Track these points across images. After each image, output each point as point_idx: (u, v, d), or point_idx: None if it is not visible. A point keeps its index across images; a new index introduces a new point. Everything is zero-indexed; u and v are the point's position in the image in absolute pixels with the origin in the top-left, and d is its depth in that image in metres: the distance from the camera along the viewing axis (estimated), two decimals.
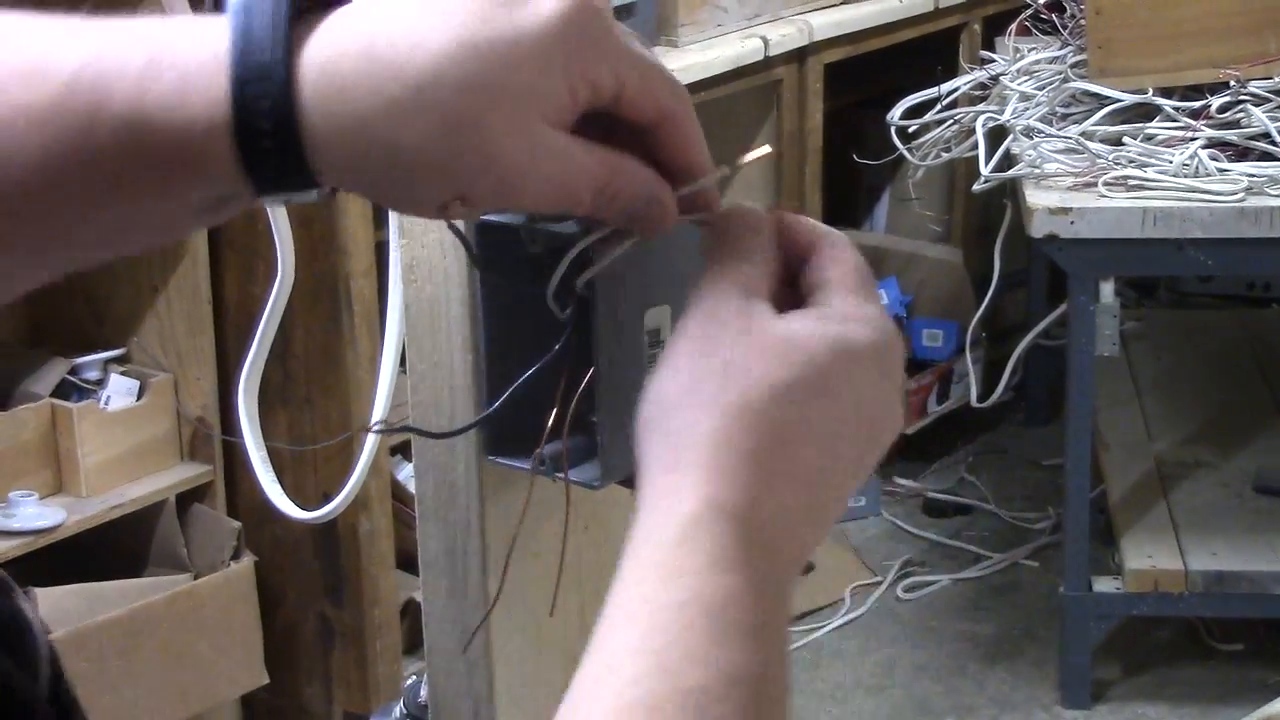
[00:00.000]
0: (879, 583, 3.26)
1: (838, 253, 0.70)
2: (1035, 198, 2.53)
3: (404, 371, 0.92)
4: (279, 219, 1.11)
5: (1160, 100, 2.62)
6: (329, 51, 0.65)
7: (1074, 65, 2.81)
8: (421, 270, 0.89)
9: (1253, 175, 2.49)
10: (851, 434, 0.66)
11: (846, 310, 0.67)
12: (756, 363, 0.65)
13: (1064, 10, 3.00)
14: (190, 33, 0.65)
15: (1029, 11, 3.08)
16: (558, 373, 0.80)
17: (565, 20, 0.65)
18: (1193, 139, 2.53)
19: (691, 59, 2.91)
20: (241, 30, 0.64)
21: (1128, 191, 2.51)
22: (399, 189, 0.67)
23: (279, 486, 0.87)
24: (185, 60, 0.64)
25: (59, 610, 2.32)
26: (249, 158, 0.64)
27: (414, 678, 0.88)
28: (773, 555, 0.63)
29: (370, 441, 0.88)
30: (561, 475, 0.84)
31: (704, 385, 0.65)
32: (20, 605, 0.67)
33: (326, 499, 0.91)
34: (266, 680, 2.62)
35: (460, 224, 0.81)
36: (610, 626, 0.61)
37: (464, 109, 0.64)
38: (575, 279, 0.76)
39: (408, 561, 2.63)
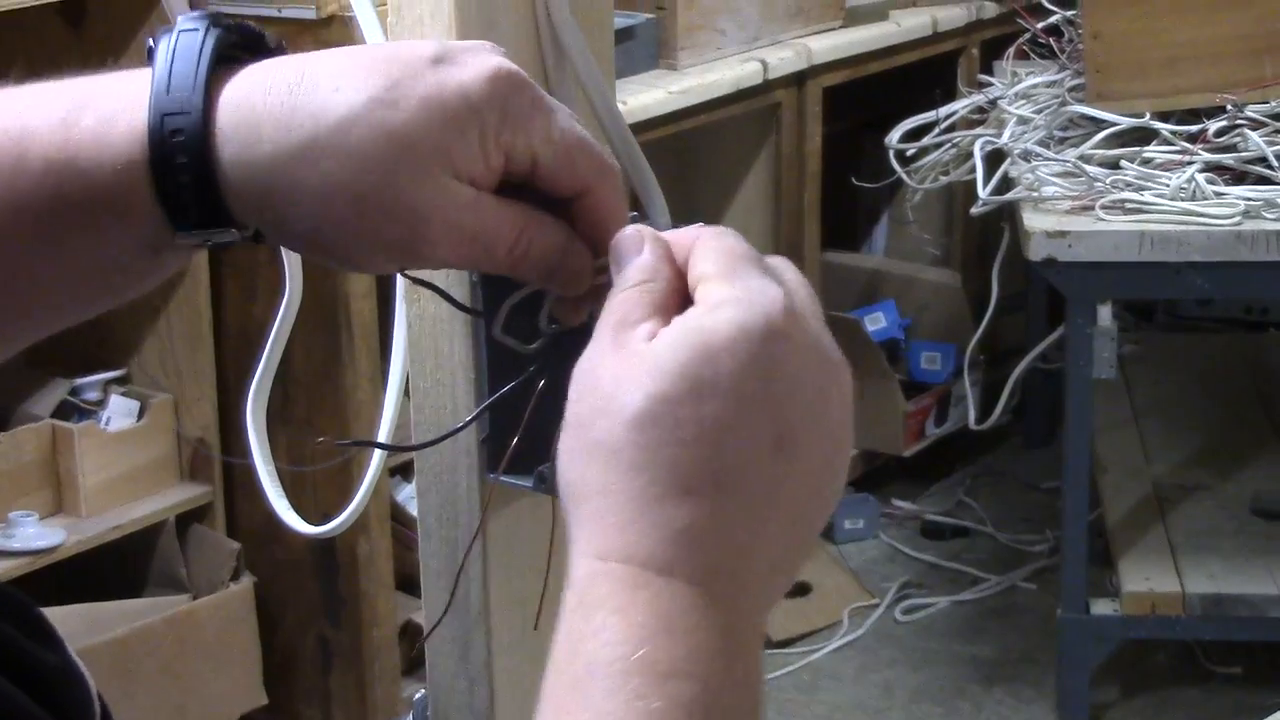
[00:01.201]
0: (877, 605, 3.26)
1: (707, 244, 0.65)
2: (1033, 221, 2.54)
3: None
4: None
5: (1157, 124, 2.63)
6: (248, 89, 0.67)
7: (1072, 89, 2.83)
8: (424, 290, 0.89)
9: (1249, 199, 2.50)
10: (748, 420, 0.61)
11: (715, 298, 0.62)
12: (623, 391, 0.61)
13: (1062, 35, 3.02)
14: (115, 82, 0.68)
15: (1027, 36, 3.10)
16: (561, 392, 0.81)
17: (487, 85, 0.67)
18: (1190, 163, 2.55)
19: (691, 82, 2.92)
20: (164, 71, 0.66)
21: (1125, 215, 2.52)
22: (309, 233, 0.67)
23: (285, 501, 0.87)
24: (108, 104, 0.67)
25: (58, 631, 2.32)
26: (166, 192, 0.66)
27: (422, 691, 0.89)
28: (691, 576, 0.60)
29: (377, 456, 0.88)
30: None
31: (582, 432, 0.62)
32: (73, 658, 0.68)
33: (325, 519, 0.92)
34: (265, 701, 2.62)
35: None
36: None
37: (374, 152, 0.65)
38: (539, 318, 0.77)
39: (406, 583, 2.64)
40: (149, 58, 0.68)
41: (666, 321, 0.63)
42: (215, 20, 0.68)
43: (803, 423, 0.62)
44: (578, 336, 0.80)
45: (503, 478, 0.85)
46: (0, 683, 0.62)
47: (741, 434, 0.61)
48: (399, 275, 0.81)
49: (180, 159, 0.65)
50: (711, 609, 0.59)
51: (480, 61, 0.68)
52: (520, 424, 0.82)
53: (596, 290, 0.71)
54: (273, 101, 0.66)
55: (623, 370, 0.62)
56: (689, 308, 0.63)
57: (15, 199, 0.66)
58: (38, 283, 0.69)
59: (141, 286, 0.73)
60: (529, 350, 0.79)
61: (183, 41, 0.67)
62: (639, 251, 0.66)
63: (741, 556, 0.61)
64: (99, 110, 0.66)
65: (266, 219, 0.67)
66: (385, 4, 0.87)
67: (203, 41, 0.67)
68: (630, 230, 0.68)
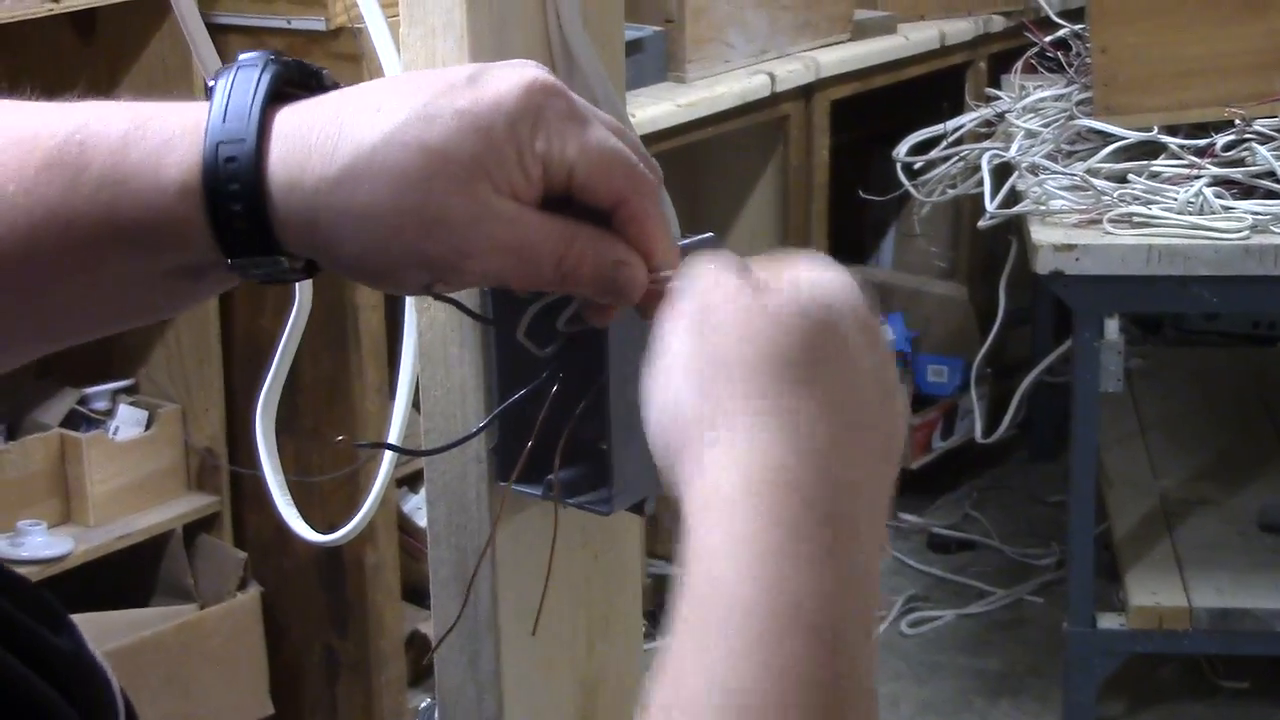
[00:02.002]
0: (883, 618, 3.26)
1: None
2: (1040, 234, 2.54)
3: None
4: None
5: (1165, 138, 2.63)
6: (298, 121, 0.68)
7: (1079, 103, 2.83)
8: (433, 300, 0.90)
9: (1257, 213, 2.50)
10: (868, 372, 0.65)
11: (812, 270, 0.67)
12: (781, 319, 0.64)
13: (1069, 48, 3.02)
14: (175, 109, 0.69)
15: (1035, 49, 3.10)
16: (571, 400, 0.81)
17: (521, 95, 0.68)
18: (1198, 177, 2.55)
19: (699, 95, 2.92)
20: (222, 102, 0.68)
21: (1133, 228, 2.52)
22: (356, 257, 0.68)
23: (294, 510, 0.88)
24: (167, 128, 0.68)
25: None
26: (218, 218, 0.67)
27: (428, 700, 0.89)
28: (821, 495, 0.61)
29: (385, 465, 0.89)
30: (571, 501, 0.86)
31: (714, 361, 0.63)
32: (88, 648, 0.69)
33: (332, 530, 0.92)
34: (271, 711, 2.63)
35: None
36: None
37: (412, 170, 0.66)
38: (558, 320, 0.78)
39: (413, 593, 2.64)
40: (207, 94, 0.69)
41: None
42: (274, 57, 0.70)
43: (893, 384, 0.67)
44: (588, 345, 0.81)
45: (514, 486, 0.85)
46: (10, 664, 0.62)
47: (867, 378, 0.65)
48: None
49: (233, 186, 0.67)
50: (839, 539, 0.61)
51: (515, 74, 0.69)
52: (533, 432, 0.83)
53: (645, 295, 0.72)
54: (318, 131, 0.68)
55: (770, 301, 0.64)
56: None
57: (68, 213, 0.67)
58: (74, 295, 0.70)
59: (174, 309, 0.74)
60: (544, 355, 0.79)
61: (241, 76, 0.69)
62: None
63: (854, 492, 0.62)
64: (158, 134, 0.68)
65: (316, 245, 0.69)
66: (396, 15, 0.87)
67: (260, 76, 0.69)
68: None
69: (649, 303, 0.71)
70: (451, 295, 0.78)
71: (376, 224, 0.67)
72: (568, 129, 0.69)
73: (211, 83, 0.70)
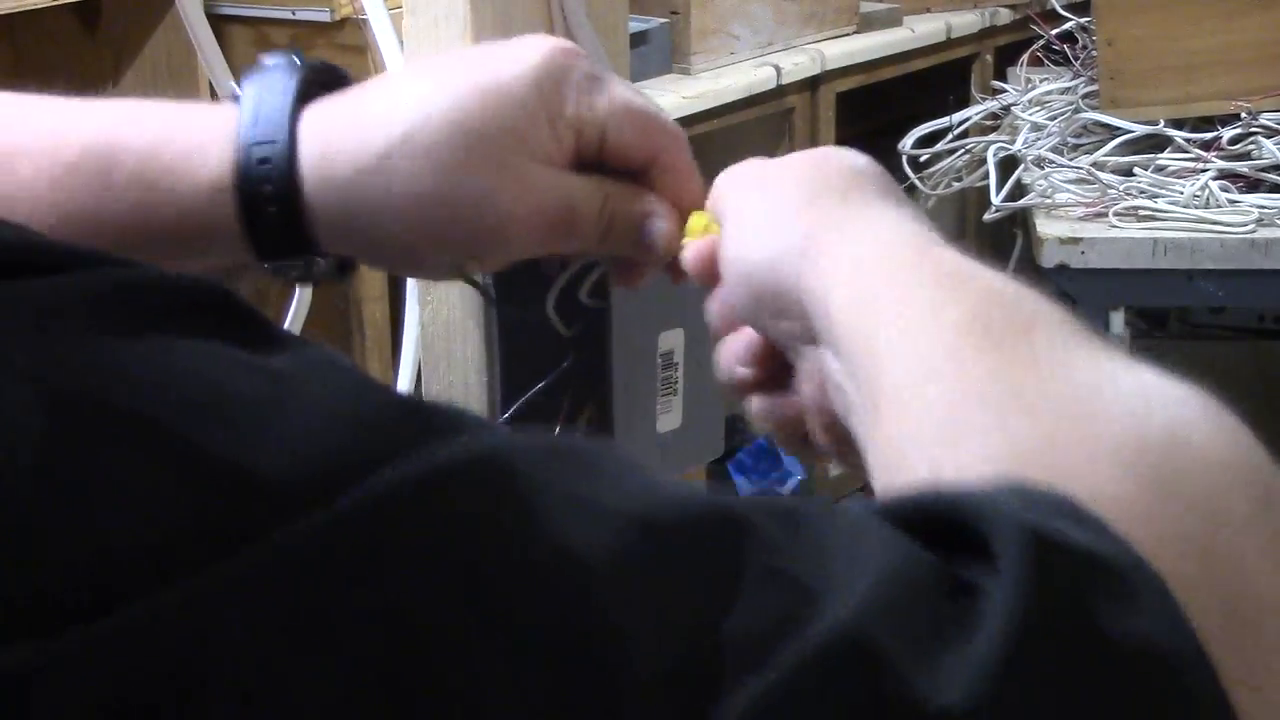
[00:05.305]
0: None
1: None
2: (1046, 227, 2.54)
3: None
4: None
5: (1171, 131, 2.62)
6: (327, 118, 0.69)
7: (1085, 96, 2.82)
8: (437, 292, 0.90)
9: (1263, 207, 2.49)
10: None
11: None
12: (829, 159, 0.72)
13: (1076, 41, 3.01)
14: (207, 111, 0.70)
15: (1041, 42, 3.09)
16: (570, 389, 0.81)
17: (544, 65, 0.68)
18: (1204, 170, 2.54)
19: (704, 87, 2.92)
20: (253, 104, 0.69)
21: (1138, 222, 2.51)
22: (398, 243, 0.68)
23: None
24: (199, 131, 0.69)
25: None
26: (253, 219, 0.67)
27: None
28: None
29: None
30: None
31: (805, 183, 0.68)
32: None
33: None
34: None
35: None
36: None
37: (447, 149, 0.66)
38: (579, 292, 0.77)
39: None
40: (236, 100, 0.70)
41: None
42: (301, 60, 0.71)
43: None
44: (600, 332, 0.81)
45: None
46: None
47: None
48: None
49: (266, 188, 0.67)
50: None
51: (532, 44, 0.69)
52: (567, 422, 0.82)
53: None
54: (347, 125, 0.68)
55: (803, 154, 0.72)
56: None
57: (99, 212, 0.67)
58: None
59: None
60: (570, 334, 0.79)
61: (269, 79, 0.69)
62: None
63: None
64: (189, 137, 0.68)
65: (353, 238, 0.69)
66: (400, 6, 0.87)
67: (288, 78, 0.69)
68: None
69: (678, 264, 0.72)
70: (475, 277, 0.78)
71: (417, 207, 0.67)
72: (594, 89, 0.69)
73: (238, 90, 0.70)
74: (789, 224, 0.64)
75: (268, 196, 0.66)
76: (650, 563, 0.39)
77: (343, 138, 0.67)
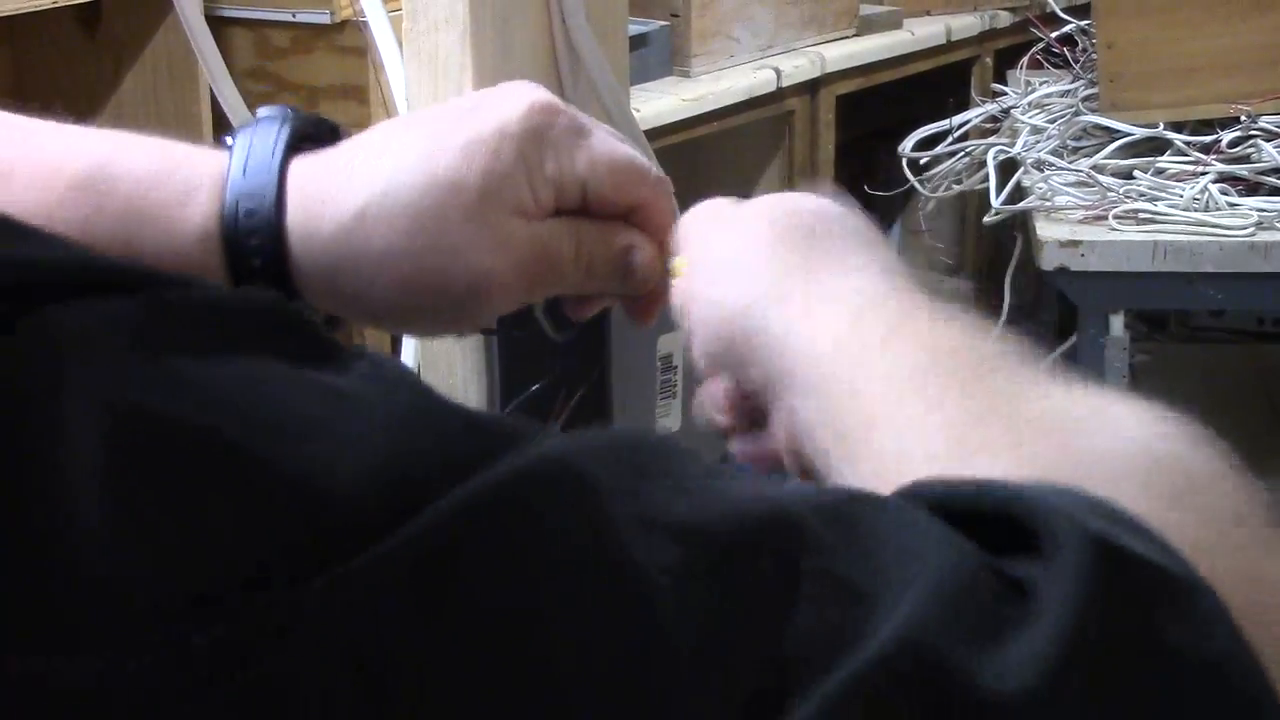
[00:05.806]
0: None
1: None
2: (1045, 230, 2.54)
3: None
4: None
5: (1171, 134, 2.62)
6: (314, 173, 0.69)
7: (1085, 99, 2.82)
8: None
9: (1263, 210, 2.49)
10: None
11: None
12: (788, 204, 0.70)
13: (1075, 44, 3.01)
14: (200, 154, 0.70)
15: (1041, 45, 3.10)
16: (570, 392, 0.81)
17: (523, 117, 0.68)
18: (1203, 173, 2.54)
19: (704, 89, 2.92)
20: (243, 155, 0.69)
21: (1138, 225, 2.51)
22: (380, 300, 0.68)
23: None
24: (192, 174, 0.69)
25: None
26: (239, 272, 0.67)
27: None
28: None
29: None
30: None
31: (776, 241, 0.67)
32: None
33: None
34: None
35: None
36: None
37: (425, 205, 0.66)
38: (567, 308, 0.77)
39: None
40: (226, 148, 0.70)
41: None
42: (292, 113, 0.70)
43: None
44: (593, 339, 0.81)
45: None
46: None
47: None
48: None
49: (253, 241, 0.67)
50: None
51: (515, 97, 0.69)
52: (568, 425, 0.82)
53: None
54: (332, 179, 0.68)
55: (765, 201, 0.70)
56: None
57: (91, 239, 0.67)
58: None
59: None
60: (560, 339, 0.79)
61: (261, 130, 0.69)
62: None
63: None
64: (182, 178, 0.68)
65: (339, 295, 0.68)
66: (400, 9, 0.87)
67: (279, 130, 0.69)
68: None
69: (646, 304, 0.72)
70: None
71: (397, 263, 0.67)
72: (574, 145, 0.69)
73: (231, 140, 0.70)
74: (757, 269, 0.64)
75: (254, 249, 0.66)
76: (711, 578, 0.39)
77: (325, 192, 0.67)
